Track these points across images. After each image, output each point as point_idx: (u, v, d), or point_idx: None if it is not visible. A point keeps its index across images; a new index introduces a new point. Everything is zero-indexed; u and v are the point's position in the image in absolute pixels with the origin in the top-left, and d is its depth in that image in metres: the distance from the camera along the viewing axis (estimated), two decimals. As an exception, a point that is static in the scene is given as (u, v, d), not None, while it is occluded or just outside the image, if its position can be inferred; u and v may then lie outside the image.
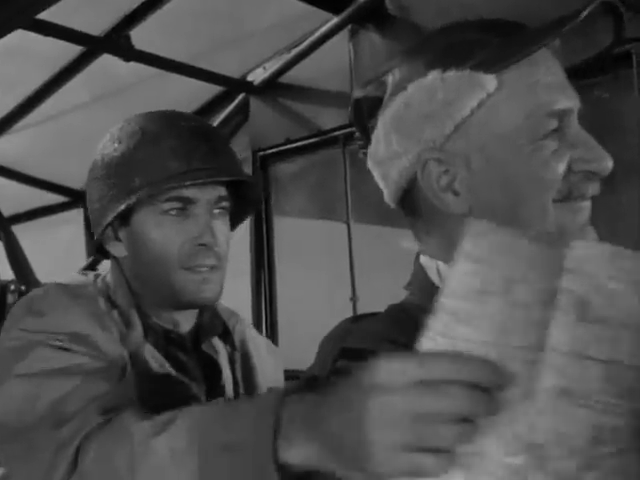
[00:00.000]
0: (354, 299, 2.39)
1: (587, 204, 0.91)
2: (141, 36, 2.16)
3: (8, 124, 2.56)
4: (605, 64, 0.95)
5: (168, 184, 1.27)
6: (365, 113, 0.97)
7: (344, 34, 2.35)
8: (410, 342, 0.85)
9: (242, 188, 1.40)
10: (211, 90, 2.72)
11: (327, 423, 0.75)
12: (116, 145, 1.33)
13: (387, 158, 0.94)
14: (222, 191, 1.33)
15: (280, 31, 2.39)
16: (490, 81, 0.87)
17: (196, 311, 1.39)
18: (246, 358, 1.46)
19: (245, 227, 2.77)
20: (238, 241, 2.79)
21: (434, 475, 0.63)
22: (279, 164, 2.76)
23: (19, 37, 1.78)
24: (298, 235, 2.77)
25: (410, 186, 0.94)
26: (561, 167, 0.87)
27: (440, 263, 0.93)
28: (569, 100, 0.89)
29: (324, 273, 2.57)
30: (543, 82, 0.88)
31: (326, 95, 2.48)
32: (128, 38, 2.16)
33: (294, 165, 2.72)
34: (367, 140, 0.98)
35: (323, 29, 2.33)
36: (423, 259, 0.96)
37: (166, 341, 1.34)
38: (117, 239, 1.34)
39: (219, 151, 1.34)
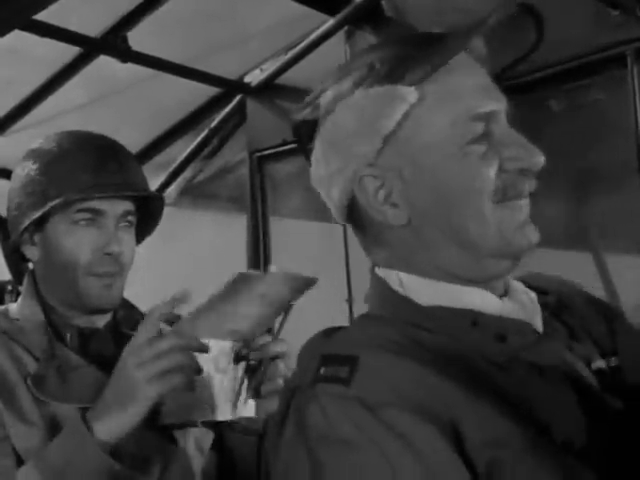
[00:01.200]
0: (350, 300, 2.39)
1: (525, 202, 0.92)
2: (138, 37, 2.16)
3: (5, 125, 2.56)
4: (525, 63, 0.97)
5: (78, 195, 1.42)
6: (304, 136, 1.00)
7: (341, 36, 2.36)
8: (387, 346, 0.88)
9: (147, 203, 1.55)
10: (208, 91, 2.72)
11: (110, 391, 1.23)
12: (33, 159, 1.48)
13: (326, 178, 0.97)
14: (129, 205, 1.48)
15: (277, 33, 2.39)
16: (410, 93, 0.89)
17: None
18: None
19: (241, 228, 2.78)
20: (234, 242, 2.80)
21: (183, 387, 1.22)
22: (276, 165, 2.77)
23: (16, 38, 1.78)
24: (294, 236, 2.77)
25: (351, 202, 0.96)
26: (491, 170, 0.89)
27: (401, 274, 0.94)
28: (493, 102, 0.91)
29: (320, 274, 2.57)
30: (464, 88, 0.90)
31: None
32: (125, 39, 2.16)
33: (290, 166, 2.72)
34: (310, 161, 1.00)
35: (320, 31, 2.33)
36: (380, 271, 0.97)
37: (82, 338, 1.46)
38: (32, 243, 1.48)
39: (126, 167, 1.49)
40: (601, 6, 1.77)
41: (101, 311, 1.49)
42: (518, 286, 0.98)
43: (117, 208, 1.46)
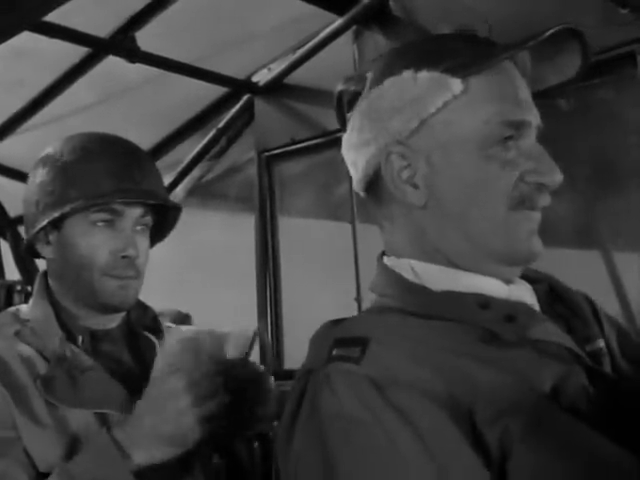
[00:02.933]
0: (359, 299, 2.39)
1: (537, 215, 0.97)
2: (146, 38, 2.16)
3: (14, 125, 2.57)
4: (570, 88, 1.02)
5: (100, 200, 1.42)
6: (345, 105, 1.05)
7: (348, 35, 2.36)
8: (398, 330, 0.91)
9: (164, 211, 1.56)
10: (216, 91, 2.73)
11: (152, 419, 1.24)
12: (57, 157, 1.47)
13: (358, 145, 1.01)
14: (146, 210, 1.49)
15: (285, 32, 2.39)
16: (456, 84, 0.94)
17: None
18: None
19: (250, 228, 2.78)
20: (243, 241, 2.80)
21: None
22: (284, 164, 2.77)
23: (25, 39, 1.78)
24: (303, 235, 2.77)
25: (375, 174, 1.00)
26: (511, 177, 0.93)
27: (413, 262, 0.98)
28: (527, 114, 0.95)
29: (329, 273, 2.57)
30: (504, 93, 0.95)
31: (330, 96, 2.47)
32: (133, 39, 2.16)
33: (299, 165, 2.73)
34: (346, 130, 1.05)
35: (328, 30, 2.33)
36: (390, 260, 1.01)
37: (93, 339, 1.46)
38: (47, 242, 1.48)
39: (149, 175, 1.50)
40: (610, 5, 1.77)
41: (116, 310, 1.49)
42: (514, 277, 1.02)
43: (135, 211, 1.46)
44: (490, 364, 0.87)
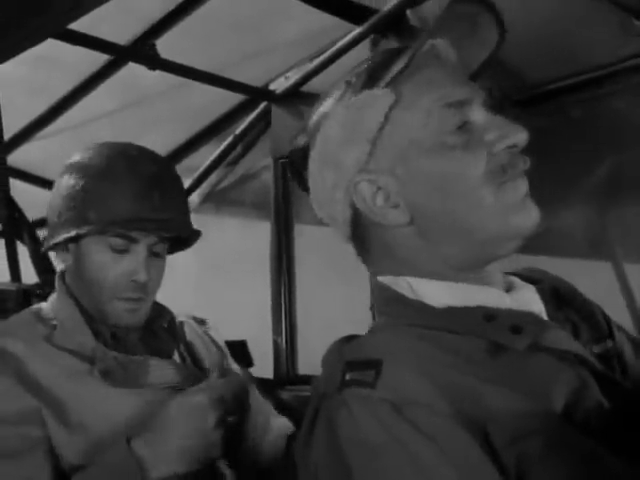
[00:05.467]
0: (373, 308, 2.39)
1: (523, 181, 0.94)
2: (166, 45, 2.18)
3: (34, 130, 2.59)
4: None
5: (117, 228, 1.42)
6: (299, 163, 1.03)
7: (365, 44, 2.36)
8: (408, 349, 0.90)
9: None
10: (234, 98, 2.74)
11: (180, 440, 1.26)
12: (83, 170, 1.46)
13: (325, 196, 1.00)
14: (162, 238, 1.49)
15: (303, 42, 2.40)
16: (387, 94, 0.94)
17: None
18: (191, 346, 1.62)
19: (265, 234, 2.79)
20: (258, 248, 2.81)
21: None
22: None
23: (47, 45, 1.80)
24: (318, 242, 2.78)
25: (353, 215, 0.99)
26: (480, 154, 0.91)
27: (409, 279, 0.96)
28: (465, 90, 0.94)
29: (344, 281, 2.58)
30: (434, 80, 0.94)
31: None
32: (154, 47, 2.18)
33: (315, 173, 2.72)
34: (308, 190, 1.04)
35: (345, 40, 2.34)
36: (386, 279, 0.99)
37: (114, 339, 1.47)
38: (66, 250, 1.49)
39: (170, 202, 1.48)
40: (624, 16, 1.77)
41: (121, 328, 1.50)
42: (516, 281, 1.01)
43: (151, 239, 1.47)
44: (501, 383, 0.85)
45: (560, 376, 0.87)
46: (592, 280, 1.94)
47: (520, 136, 0.92)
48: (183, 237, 1.57)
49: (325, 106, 1.00)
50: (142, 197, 1.44)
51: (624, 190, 1.91)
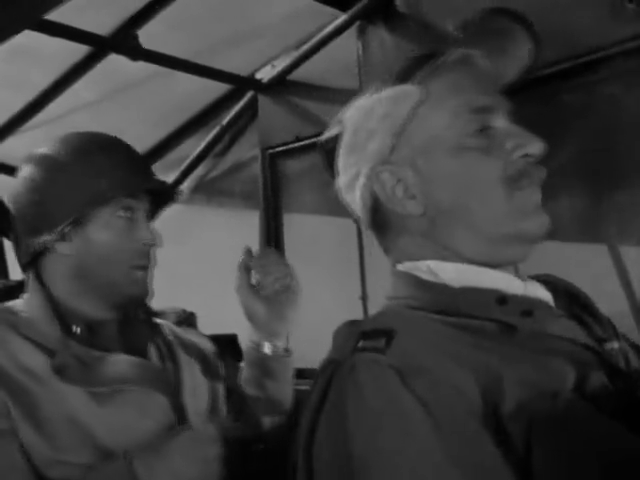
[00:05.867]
0: (364, 297, 2.38)
1: (537, 190, 0.98)
2: (148, 35, 2.16)
3: (16, 124, 2.56)
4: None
5: (129, 189, 1.46)
6: (329, 151, 1.09)
7: (353, 31, 2.34)
8: (422, 323, 0.93)
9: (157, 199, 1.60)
10: (219, 88, 2.72)
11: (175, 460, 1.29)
12: (56, 157, 1.47)
13: (348, 183, 1.05)
14: (149, 201, 1.53)
15: (288, 28, 2.38)
16: (415, 91, 0.99)
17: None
18: (169, 343, 1.61)
19: (254, 225, 2.78)
20: (247, 238, 2.80)
21: None
22: (288, 162, 2.76)
23: (26, 37, 1.78)
24: (307, 232, 2.76)
25: (374, 203, 1.03)
26: (500, 158, 0.96)
27: (428, 262, 1.00)
28: (490, 99, 0.99)
29: (334, 271, 2.57)
30: (464, 85, 0.99)
31: (335, 92, 2.47)
32: (135, 37, 2.16)
33: (303, 162, 2.71)
34: (335, 177, 1.09)
35: (332, 26, 2.32)
36: (404, 266, 1.03)
37: (90, 333, 1.46)
38: (66, 239, 1.46)
39: (148, 166, 1.58)
40: (617, -1, 1.76)
41: (133, 300, 1.51)
42: (526, 277, 1.04)
43: (145, 204, 1.51)
44: (513, 360, 0.87)
45: (568, 358, 0.90)
46: (587, 263, 1.94)
47: (538, 146, 0.96)
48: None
49: (360, 100, 1.05)
50: (131, 165, 1.49)
51: (620, 174, 1.90)
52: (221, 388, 1.62)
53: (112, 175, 1.45)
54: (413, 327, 0.92)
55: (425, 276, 0.99)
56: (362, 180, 1.02)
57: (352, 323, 0.99)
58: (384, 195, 1.00)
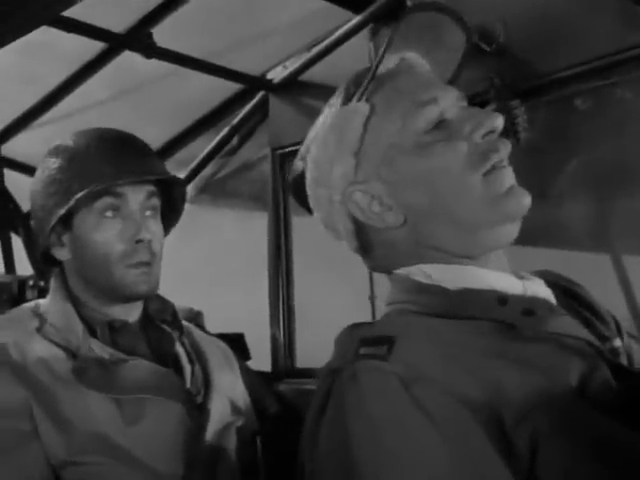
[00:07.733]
0: (372, 298, 2.38)
1: (508, 169, 0.97)
2: (163, 33, 2.16)
3: (28, 120, 2.57)
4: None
5: (101, 186, 1.41)
6: (300, 190, 1.09)
7: (365, 33, 2.34)
8: (422, 329, 0.92)
9: (169, 191, 1.56)
10: (231, 88, 2.72)
11: None
12: (53, 159, 1.47)
13: (326, 214, 1.05)
14: (150, 188, 1.49)
15: (300, 30, 2.38)
16: (362, 106, 0.99)
17: (141, 302, 1.54)
18: (195, 342, 1.61)
19: (262, 225, 2.78)
20: (255, 239, 2.80)
21: None
22: (298, 162, 2.75)
23: (41, 33, 1.77)
24: (316, 234, 2.76)
25: (356, 227, 1.03)
26: (461, 144, 0.95)
27: (423, 266, 0.99)
28: (435, 91, 0.98)
29: (342, 272, 2.57)
30: (407, 86, 0.99)
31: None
32: (150, 35, 2.16)
33: (313, 164, 2.70)
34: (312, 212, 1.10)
35: (344, 28, 2.32)
36: (401, 271, 1.02)
37: (111, 331, 1.45)
38: (61, 245, 1.48)
39: (145, 155, 1.51)
40: (628, 4, 1.75)
41: (141, 298, 1.50)
42: (526, 274, 1.04)
43: (139, 194, 1.46)
44: (514, 362, 0.86)
45: (572, 358, 0.89)
46: (591, 272, 1.93)
47: (495, 121, 0.96)
48: (173, 197, 1.59)
49: (313, 130, 1.06)
50: (117, 157, 1.46)
51: (628, 180, 1.90)
52: (243, 386, 1.63)
53: (85, 173, 1.43)
54: (413, 333, 0.92)
55: (423, 279, 0.99)
56: (337, 207, 1.02)
57: (353, 328, 0.99)
58: (362, 215, 1.00)
